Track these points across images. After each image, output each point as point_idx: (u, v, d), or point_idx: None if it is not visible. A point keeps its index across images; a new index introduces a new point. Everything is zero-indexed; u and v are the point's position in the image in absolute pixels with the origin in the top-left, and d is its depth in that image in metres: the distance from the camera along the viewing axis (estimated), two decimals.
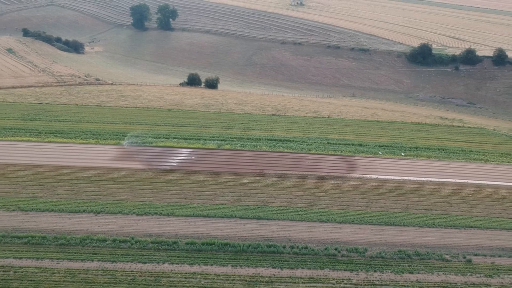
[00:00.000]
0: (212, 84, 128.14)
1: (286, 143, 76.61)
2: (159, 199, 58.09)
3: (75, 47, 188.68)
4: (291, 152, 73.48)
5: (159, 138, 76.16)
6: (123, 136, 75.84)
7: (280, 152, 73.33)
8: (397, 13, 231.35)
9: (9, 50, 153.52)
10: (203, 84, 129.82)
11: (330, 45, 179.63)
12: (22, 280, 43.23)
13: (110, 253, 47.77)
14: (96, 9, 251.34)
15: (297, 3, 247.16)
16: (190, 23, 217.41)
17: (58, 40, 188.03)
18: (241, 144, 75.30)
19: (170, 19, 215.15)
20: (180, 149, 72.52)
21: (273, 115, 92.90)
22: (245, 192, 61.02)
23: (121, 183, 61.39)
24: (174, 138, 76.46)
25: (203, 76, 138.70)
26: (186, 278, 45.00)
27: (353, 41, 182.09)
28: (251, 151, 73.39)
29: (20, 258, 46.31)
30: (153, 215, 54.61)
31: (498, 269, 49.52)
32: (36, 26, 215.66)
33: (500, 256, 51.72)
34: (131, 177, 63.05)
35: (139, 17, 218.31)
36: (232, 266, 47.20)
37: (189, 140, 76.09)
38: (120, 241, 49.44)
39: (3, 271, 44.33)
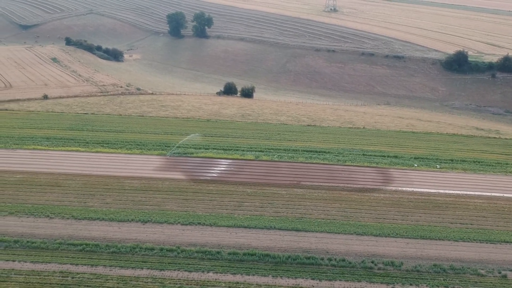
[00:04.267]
0: (248, 93, 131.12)
1: (322, 155, 78.59)
2: (202, 209, 61.09)
3: (115, 55, 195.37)
4: (327, 164, 75.44)
5: (200, 148, 79.37)
6: (165, 146, 79.43)
7: (317, 163, 75.39)
8: (432, 18, 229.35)
9: (54, 60, 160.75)
10: (239, 93, 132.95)
11: (364, 52, 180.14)
12: (79, 286, 46.80)
13: (158, 261, 50.95)
14: (133, 17, 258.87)
15: (331, 9, 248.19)
16: (224, 31, 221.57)
17: (99, 48, 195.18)
18: (278, 155, 77.72)
19: (206, 27, 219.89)
20: (219, 160, 75.53)
21: (308, 125, 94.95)
22: (283, 203, 63.38)
23: (165, 193, 64.74)
24: (213, 148, 79.54)
25: (238, 83, 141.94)
26: (229, 287, 47.68)
27: (387, 48, 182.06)
28: (288, 162, 75.71)
29: (77, 264, 49.98)
30: (196, 225, 57.61)
31: None
32: (77, 34, 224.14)
33: None
34: (175, 187, 66.36)
35: (176, 25, 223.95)
36: (273, 276, 49.61)
37: (228, 150, 79.02)
38: (167, 250, 52.60)
39: (62, 277, 48.05)
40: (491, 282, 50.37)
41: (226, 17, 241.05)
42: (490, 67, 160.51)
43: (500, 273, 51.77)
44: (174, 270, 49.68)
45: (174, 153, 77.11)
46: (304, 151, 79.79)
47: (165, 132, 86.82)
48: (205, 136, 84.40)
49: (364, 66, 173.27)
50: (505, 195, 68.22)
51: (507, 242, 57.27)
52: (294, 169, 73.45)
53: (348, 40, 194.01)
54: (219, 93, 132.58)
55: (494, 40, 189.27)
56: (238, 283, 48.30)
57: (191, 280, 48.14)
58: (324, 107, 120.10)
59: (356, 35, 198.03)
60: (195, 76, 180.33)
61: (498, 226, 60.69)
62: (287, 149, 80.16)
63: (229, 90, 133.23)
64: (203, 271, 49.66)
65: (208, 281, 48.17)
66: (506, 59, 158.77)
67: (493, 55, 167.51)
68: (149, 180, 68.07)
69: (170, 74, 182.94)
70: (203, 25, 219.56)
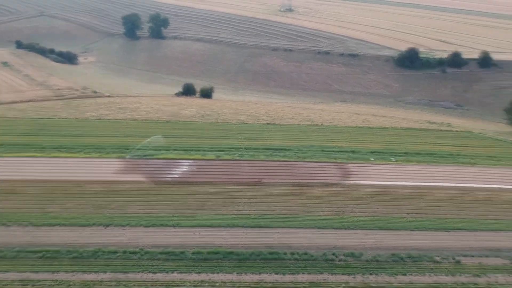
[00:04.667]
0: (207, 94, 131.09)
1: (283, 152, 79.80)
2: (165, 210, 61.03)
3: (69, 58, 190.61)
4: (287, 161, 76.71)
5: (160, 150, 78.98)
6: (125, 149, 78.58)
7: (277, 161, 76.53)
8: (384, 17, 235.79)
9: (5, 64, 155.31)
10: (198, 93, 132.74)
11: (320, 51, 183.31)
12: None
13: (122, 264, 50.69)
14: (87, 19, 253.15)
15: (286, 9, 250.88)
16: (181, 31, 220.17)
17: (52, 51, 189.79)
18: (239, 154, 78.38)
19: (162, 28, 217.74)
20: (181, 161, 75.46)
21: (268, 124, 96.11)
22: (245, 201, 64.14)
23: (127, 196, 64.23)
24: (174, 149, 79.31)
25: (197, 84, 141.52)
26: (194, 286, 48.10)
27: (342, 47, 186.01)
28: (249, 160, 76.50)
29: (37, 272, 49.08)
30: (159, 226, 57.55)
31: (485, 269, 53.11)
32: (28, 37, 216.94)
33: (487, 256, 55.30)
34: (136, 189, 65.92)
35: (131, 26, 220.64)
36: (237, 273, 50.33)
37: (189, 151, 79.01)
38: (130, 253, 52.39)
39: (22, 285, 47.10)
40: (446, 268, 52.90)
41: (183, 18, 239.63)
42: (440, 62, 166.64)
43: (454, 259, 54.41)
44: (138, 272, 49.60)
45: (134, 155, 76.46)
46: (265, 149, 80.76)
47: (124, 134, 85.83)
48: (166, 137, 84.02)
49: (320, 65, 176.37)
50: (458, 184, 71.37)
51: (461, 229, 60.15)
52: (255, 167, 74.33)
53: (305, 40, 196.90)
54: (178, 94, 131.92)
55: (443, 37, 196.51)
56: (203, 281, 48.76)
57: (156, 281, 48.22)
58: (283, 106, 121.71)
59: (312, 34, 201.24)
60: (153, 78, 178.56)
61: (452, 214, 63.57)
62: (248, 148, 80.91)
63: (188, 91, 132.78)
64: (167, 272, 49.81)
65: (173, 282, 48.39)
66: (455, 54, 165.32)
67: (443, 51, 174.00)
68: (110, 183, 67.29)
69: (127, 76, 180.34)
70: (159, 26, 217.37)
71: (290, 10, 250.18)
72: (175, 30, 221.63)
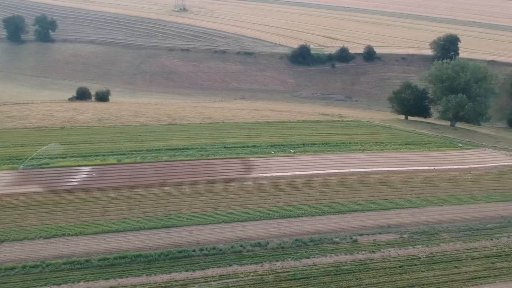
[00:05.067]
0: (103, 97, 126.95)
1: (186, 151, 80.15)
2: (65, 220, 58.60)
3: None
4: (191, 160, 77.21)
5: (56, 158, 75.43)
6: (16, 159, 73.95)
7: (181, 160, 76.72)
8: (276, 16, 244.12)
9: None
10: (93, 97, 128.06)
11: (217, 50, 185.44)
12: None
13: (21, 280, 47.93)
14: None
15: (180, 9, 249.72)
16: (71, 34, 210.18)
17: None
18: (141, 156, 77.35)
19: (50, 30, 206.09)
20: (79, 168, 72.66)
21: (169, 124, 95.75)
22: (151, 203, 63.66)
23: (22, 208, 60.65)
24: (71, 156, 76.21)
25: (92, 88, 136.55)
26: None
27: (238, 45, 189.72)
28: (152, 162, 75.80)
29: None
30: (61, 236, 55.18)
31: (379, 245, 57.95)
32: None
33: (380, 233, 60.33)
34: (32, 201, 62.48)
35: (15, 30, 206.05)
36: (147, 275, 50.01)
37: (87, 157, 76.36)
38: (30, 267, 49.68)
39: None
40: (345, 247, 56.94)
41: (72, 20, 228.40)
42: (330, 58, 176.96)
43: (351, 238, 58.69)
44: (41, 286, 47.30)
45: (28, 165, 72.22)
46: (167, 149, 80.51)
47: (15, 144, 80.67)
48: (62, 144, 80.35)
49: (218, 64, 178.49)
50: (351, 170, 76.81)
51: (356, 211, 64.93)
52: (159, 168, 73.92)
53: (201, 39, 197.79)
54: (71, 99, 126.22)
55: (331, 34, 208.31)
56: (111, 287, 47.80)
57: None
58: (184, 106, 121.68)
59: (208, 34, 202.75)
60: (43, 83, 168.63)
61: (347, 198, 68.37)
62: (150, 150, 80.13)
63: (83, 95, 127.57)
64: (73, 282, 48.08)
65: None
66: (342, 50, 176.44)
67: (332, 47, 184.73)
68: (2, 197, 63.05)
69: (13, 82, 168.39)
70: (46, 28, 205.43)
71: (184, 10, 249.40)
72: (64, 32, 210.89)
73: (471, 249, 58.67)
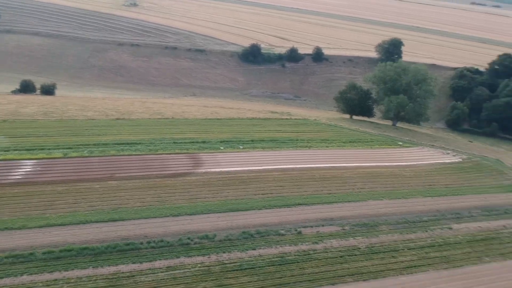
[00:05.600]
0: (48, 91, 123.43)
1: (134, 146, 79.80)
2: (7, 214, 57.29)
3: None
4: (139, 154, 77.01)
5: None
6: None
7: (129, 155, 76.37)
8: (227, 14, 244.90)
9: None
10: (38, 90, 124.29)
11: (167, 46, 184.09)
12: None
13: None
14: None
15: (131, 3, 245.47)
16: (15, 24, 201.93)
17: None
18: (88, 151, 76.31)
19: None
20: (23, 161, 70.83)
21: (117, 119, 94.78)
22: (97, 197, 63.27)
23: None
24: (14, 150, 74.06)
25: (37, 81, 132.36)
26: (47, 285, 46.62)
27: (189, 42, 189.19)
28: (99, 156, 75.01)
29: None
30: (3, 230, 53.99)
31: (322, 236, 60.58)
32: None
33: (323, 225, 62.99)
34: None
35: None
36: (93, 267, 50.02)
37: (32, 150, 74.47)
38: None
39: None
40: (290, 239, 59.14)
41: (16, 10, 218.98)
42: (280, 58, 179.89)
43: (296, 230, 60.98)
44: None
45: None
46: (115, 144, 79.83)
47: None
48: (5, 137, 77.96)
49: (168, 60, 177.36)
50: (297, 166, 79.25)
51: (301, 204, 67.35)
52: (106, 162, 73.31)
53: (151, 35, 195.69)
54: (14, 92, 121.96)
55: (281, 34, 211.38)
56: (56, 280, 47.51)
57: (3, 286, 45.64)
58: (133, 101, 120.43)
59: (159, 30, 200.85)
60: None
61: (293, 192, 70.69)
62: (97, 144, 79.13)
63: (27, 88, 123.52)
64: (16, 276, 47.41)
65: (22, 284, 46.35)
66: (292, 50, 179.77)
67: (282, 47, 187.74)
68: None
69: None
70: None
71: (134, 4, 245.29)
72: (7, 23, 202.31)
73: (407, 240, 62.45)
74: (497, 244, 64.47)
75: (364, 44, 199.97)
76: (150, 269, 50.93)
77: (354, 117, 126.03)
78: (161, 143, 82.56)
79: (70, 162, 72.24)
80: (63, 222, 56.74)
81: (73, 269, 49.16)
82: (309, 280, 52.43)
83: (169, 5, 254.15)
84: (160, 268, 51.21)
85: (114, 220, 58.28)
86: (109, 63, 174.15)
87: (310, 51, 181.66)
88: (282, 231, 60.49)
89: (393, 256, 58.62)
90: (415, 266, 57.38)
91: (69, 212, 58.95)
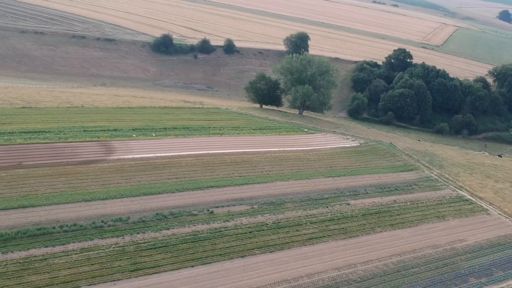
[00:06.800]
0: None
1: (42, 134, 78.22)
2: None
3: None
4: (48, 143, 75.72)
5: None
6: None
7: (37, 143, 74.88)
8: (137, 3, 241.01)
9: None
10: None
11: (75, 35, 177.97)
12: None
13: None
14: None
15: None
16: None
17: None
18: None
19: None
20: None
21: (23, 107, 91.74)
22: (4, 185, 61.90)
23: None
24: None
25: None
26: None
27: (98, 31, 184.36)
28: (4, 145, 72.75)
29: None
30: None
31: (232, 215, 64.46)
32: None
33: (234, 205, 66.86)
34: None
35: None
36: (3, 253, 49.74)
37: None
38: None
39: None
40: (202, 218, 62.30)
41: None
42: (192, 49, 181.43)
43: (208, 210, 64.26)
44: None
45: None
46: (21, 132, 77.72)
47: None
48: None
49: (76, 49, 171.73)
50: (209, 151, 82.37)
51: (213, 187, 70.62)
52: (13, 151, 71.39)
53: (57, 23, 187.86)
54: None
55: (193, 25, 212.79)
56: None
57: None
58: (39, 90, 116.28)
59: (65, 18, 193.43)
60: None
61: (205, 176, 73.76)
62: (2, 133, 76.55)
63: None
64: None
65: None
66: (204, 42, 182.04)
67: (194, 39, 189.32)
68: None
69: None
70: None
71: None
72: None
73: (310, 215, 68.23)
74: (388, 216, 72.39)
75: (273, 38, 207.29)
76: (63, 251, 51.61)
77: (264, 106, 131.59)
78: (71, 131, 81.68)
79: None
80: None
81: None
82: (221, 255, 56.07)
83: None
84: (73, 250, 52.05)
85: (24, 207, 57.74)
86: (11, 51, 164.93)
87: (222, 43, 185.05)
88: (195, 212, 63.45)
89: (297, 230, 63.95)
90: (316, 238, 63.14)
91: None
